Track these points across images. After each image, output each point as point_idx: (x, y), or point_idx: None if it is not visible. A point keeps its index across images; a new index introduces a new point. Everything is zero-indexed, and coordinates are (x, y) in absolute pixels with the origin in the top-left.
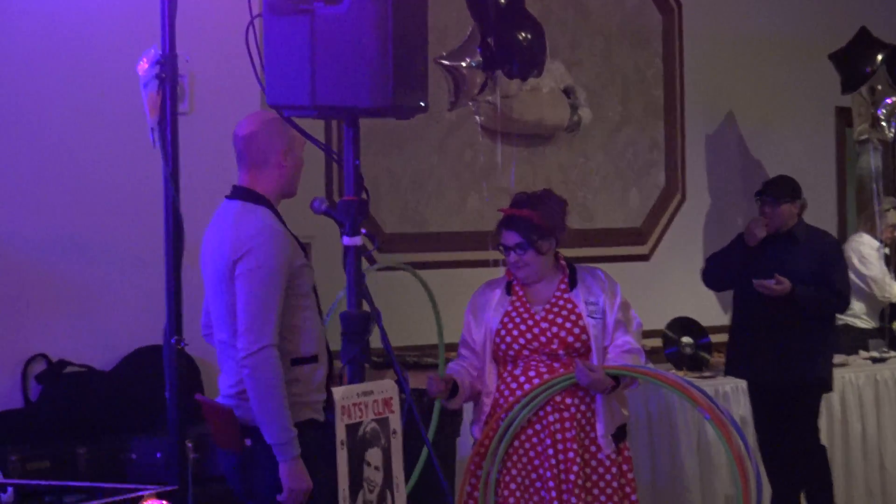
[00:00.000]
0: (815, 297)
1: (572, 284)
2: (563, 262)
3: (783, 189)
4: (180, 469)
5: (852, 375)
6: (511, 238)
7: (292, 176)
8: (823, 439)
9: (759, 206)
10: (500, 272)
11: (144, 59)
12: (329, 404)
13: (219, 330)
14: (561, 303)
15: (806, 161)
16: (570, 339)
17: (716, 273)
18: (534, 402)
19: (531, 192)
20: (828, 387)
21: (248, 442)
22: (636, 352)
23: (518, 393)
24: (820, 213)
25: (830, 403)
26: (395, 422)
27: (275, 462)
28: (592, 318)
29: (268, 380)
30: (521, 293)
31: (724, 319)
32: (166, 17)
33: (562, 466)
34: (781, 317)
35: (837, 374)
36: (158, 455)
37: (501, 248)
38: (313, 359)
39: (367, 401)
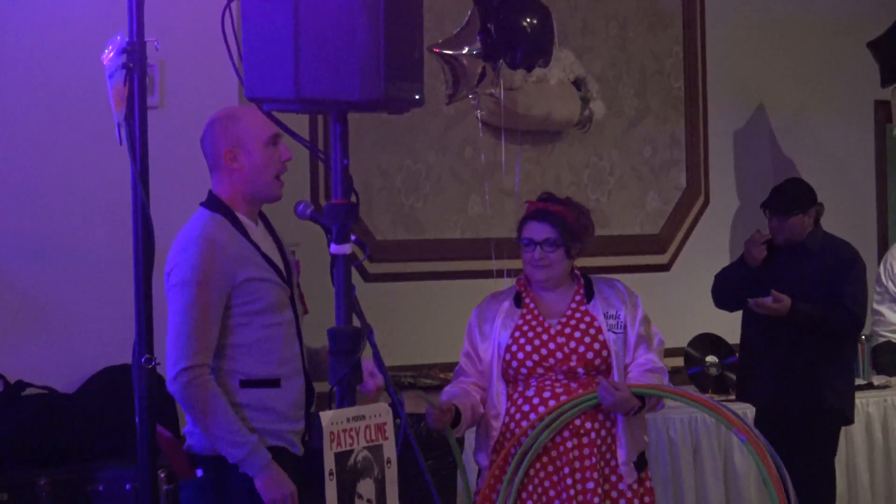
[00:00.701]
0: (818, 316)
1: (589, 296)
2: (577, 272)
3: (794, 201)
4: (152, 502)
5: None
6: (541, 231)
7: (253, 176)
8: (864, 469)
9: (766, 218)
10: (504, 284)
11: (110, 48)
12: (311, 434)
13: None
14: (578, 315)
15: (843, 159)
16: (590, 355)
17: (723, 292)
18: (553, 426)
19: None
20: (847, 419)
21: (198, 472)
22: (660, 371)
23: (532, 416)
24: (859, 216)
25: (871, 430)
26: (390, 450)
27: (229, 494)
28: (613, 332)
29: (198, 402)
30: (532, 305)
31: None
32: (134, 1)
33: (580, 498)
34: (789, 338)
35: (880, 397)
36: (128, 486)
37: (523, 242)
38: (271, 383)
39: (359, 426)
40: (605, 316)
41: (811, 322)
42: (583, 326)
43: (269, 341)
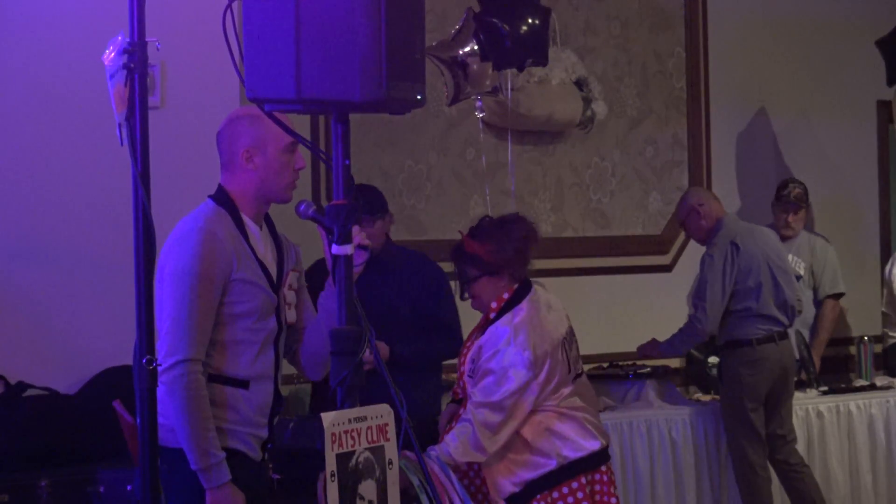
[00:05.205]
0: (419, 351)
1: (483, 332)
2: (494, 305)
3: (367, 205)
4: (153, 503)
5: None
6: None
7: (266, 179)
8: (867, 470)
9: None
10: None
11: (111, 48)
12: (272, 441)
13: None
14: (464, 351)
15: (846, 160)
16: (461, 393)
17: None
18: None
19: (491, 219)
20: None
21: None
22: (465, 424)
23: None
24: (861, 218)
25: (874, 431)
26: (391, 451)
27: (176, 489)
28: (471, 377)
29: (183, 398)
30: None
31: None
32: (135, 1)
33: None
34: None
35: (882, 398)
36: (129, 487)
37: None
38: (239, 383)
39: (360, 427)
40: (471, 360)
41: (414, 361)
42: (462, 365)
43: (245, 345)
